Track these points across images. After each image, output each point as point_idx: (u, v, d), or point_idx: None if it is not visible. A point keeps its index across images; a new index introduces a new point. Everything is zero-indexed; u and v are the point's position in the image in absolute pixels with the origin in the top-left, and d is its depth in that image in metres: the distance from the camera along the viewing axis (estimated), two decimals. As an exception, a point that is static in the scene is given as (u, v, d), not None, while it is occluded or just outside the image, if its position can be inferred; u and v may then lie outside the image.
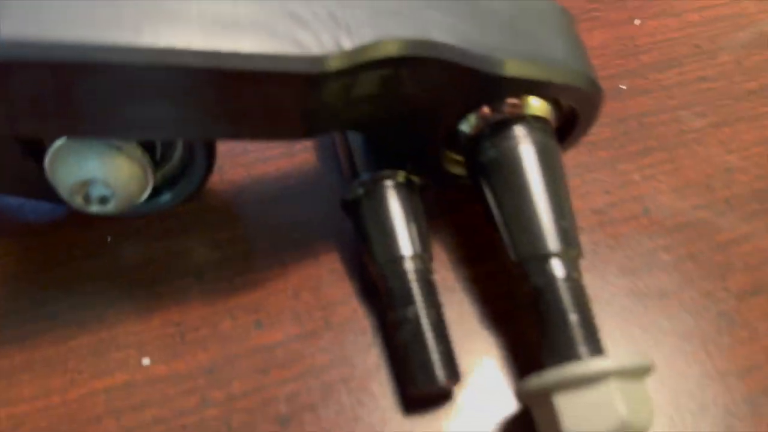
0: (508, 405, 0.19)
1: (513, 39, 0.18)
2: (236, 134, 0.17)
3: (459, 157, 0.21)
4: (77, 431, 0.18)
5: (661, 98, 0.26)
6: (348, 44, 0.16)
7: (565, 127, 0.21)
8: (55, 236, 0.22)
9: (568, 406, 0.16)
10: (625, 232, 0.22)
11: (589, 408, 0.16)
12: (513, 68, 0.18)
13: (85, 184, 0.18)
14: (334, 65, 0.15)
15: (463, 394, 0.19)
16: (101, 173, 0.17)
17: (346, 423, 0.18)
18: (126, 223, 0.22)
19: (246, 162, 0.23)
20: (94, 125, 0.15)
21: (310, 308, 0.20)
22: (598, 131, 0.24)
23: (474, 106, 0.19)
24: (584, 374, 0.16)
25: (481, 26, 0.18)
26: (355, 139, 0.21)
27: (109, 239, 0.22)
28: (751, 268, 0.21)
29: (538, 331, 0.18)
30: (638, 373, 0.16)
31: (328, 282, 0.21)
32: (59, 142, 0.17)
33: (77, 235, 0.22)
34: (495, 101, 0.19)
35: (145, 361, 0.19)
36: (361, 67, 0.16)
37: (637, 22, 0.28)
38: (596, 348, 0.17)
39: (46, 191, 0.20)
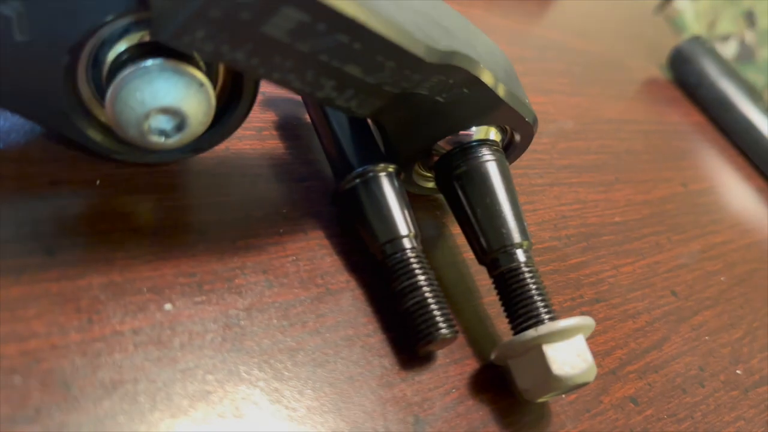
0: (473, 360, 0.23)
1: (508, 80, 0.24)
2: (329, 97, 0.19)
3: (424, 171, 0.26)
4: (110, 372, 0.16)
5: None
6: (446, 49, 0.19)
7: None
8: (32, 167, 0.19)
9: (555, 355, 0.21)
10: (513, 249, 0.29)
11: (570, 355, 0.21)
12: (509, 100, 0.23)
13: (163, 112, 0.17)
14: (435, 59, 0.19)
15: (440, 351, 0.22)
16: (187, 105, 0.17)
17: (359, 373, 0.20)
18: (113, 170, 0.20)
19: (226, 136, 0.24)
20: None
21: (311, 275, 0.22)
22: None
23: (467, 124, 0.24)
24: (564, 328, 0.21)
25: (495, 65, 0.23)
26: (344, 135, 0.24)
27: (98, 182, 0.20)
28: (591, 284, 0.29)
29: (503, 307, 0.23)
30: (589, 331, 0.22)
31: (319, 255, 0.23)
32: (152, 62, 0.17)
33: (59, 171, 0.20)
34: (479, 124, 0.24)
35: (167, 306, 0.18)
36: (443, 69, 0.20)
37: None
38: (554, 315, 0.22)
39: (44, 111, 0.18)
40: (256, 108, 0.26)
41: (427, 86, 0.21)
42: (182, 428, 0.17)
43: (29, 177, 0.19)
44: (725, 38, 0.94)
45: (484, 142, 0.24)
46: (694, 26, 0.97)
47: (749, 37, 0.91)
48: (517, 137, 0.26)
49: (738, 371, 0.31)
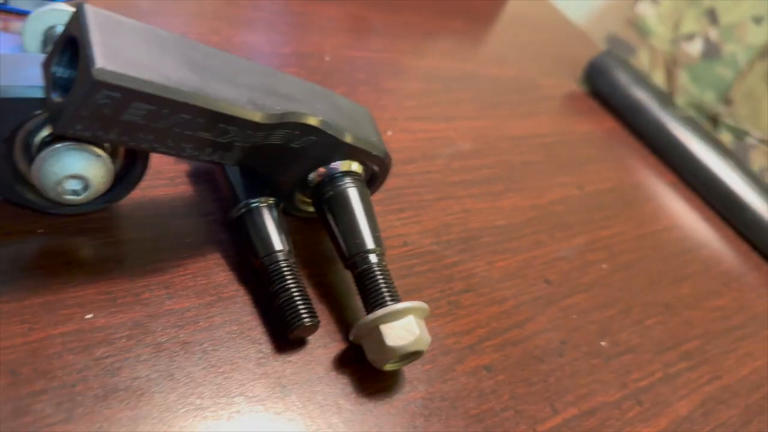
0: (341, 343, 0.29)
1: (352, 125, 0.31)
2: (193, 155, 0.26)
3: (304, 198, 0.33)
4: (44, 363, 0.24)
5: (406, 180, 0.41)
6: (279, 110, 0.27)
7: (368, 183, 0.34)
8: (-10, 225, 0.27)
9: (388, 331, 0.27)
10: (394, 254, 0.35)
11: (400, 330, 0.28)
12: (353, 141, 0.30)
13: (72, 178, 0.25)
14: (268, 120, 0.26)
15: (311, 338, 0.29)
16: (88, 172, 0.25)
17: (239, 357, 0.27)
18: (52, 220, 0.28)
19: (142, 186, 0.31)
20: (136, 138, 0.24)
21: (206, 287, 0.29)
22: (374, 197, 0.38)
23: (324, 162, 0.31)
24: (395, 310, 0.28)
25: (339, 116, 0.30)
26: (235, 177, 0.31)
27: (39, 231, 0.27)
28: (463, 278, 0.36)
29: (361, 299, 0.29)
30: (422, 312, 0.29)
31: (215, 272, 0.30)
32: (61, 144, 0.24)
33: (10, 225, 0.27)
34: (336, 160, 0.31)
35: (89, 315, 0.26)
36: (280, 125, 0.27)
37: (389, 133, 0.44)
38: (398, 301, 0.29)
39: None
40: (170, 161, 0.33)
41: (277, 138, 0.28)
42: (100, 398, 0.24)
43: (-13, 231, 0.27)
44: (690, 37, 1.00)
45: (347, 173, 0.31)
46: (659, 29, 1.03)
47: (713, 34, 0.97)
48: (375, 168, 0.32)
49: (603, 343, 0.37)
